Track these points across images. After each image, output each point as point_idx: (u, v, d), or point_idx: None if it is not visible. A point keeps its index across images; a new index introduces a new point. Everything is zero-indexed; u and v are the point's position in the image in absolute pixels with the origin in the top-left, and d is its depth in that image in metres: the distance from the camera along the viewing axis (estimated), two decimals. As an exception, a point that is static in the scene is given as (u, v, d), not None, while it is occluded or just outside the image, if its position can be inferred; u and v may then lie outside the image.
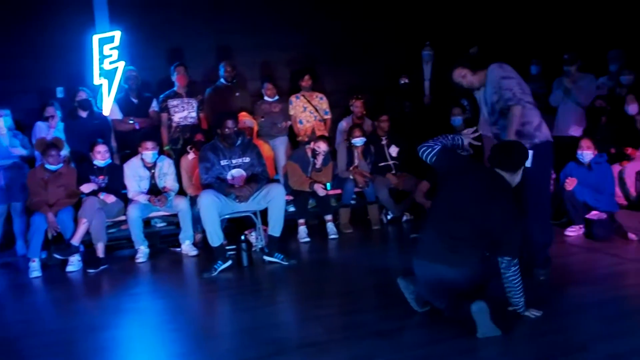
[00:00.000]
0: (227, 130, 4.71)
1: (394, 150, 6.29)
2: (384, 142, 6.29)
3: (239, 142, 4.80)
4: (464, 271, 2.98)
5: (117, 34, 5.97)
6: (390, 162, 6.27)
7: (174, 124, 6.12)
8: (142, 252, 5.18)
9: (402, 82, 6.97)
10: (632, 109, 5.55)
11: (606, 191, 5.00)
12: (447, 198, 3.20)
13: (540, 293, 3.64)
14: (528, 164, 3.47)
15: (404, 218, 6.18)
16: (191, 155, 5.63)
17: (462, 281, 2.99)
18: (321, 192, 5.59)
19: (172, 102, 6.13)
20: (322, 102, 6.77)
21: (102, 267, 4.93)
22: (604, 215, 4.99)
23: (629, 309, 3.27)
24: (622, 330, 2.95)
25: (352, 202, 6.15)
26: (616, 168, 5.46)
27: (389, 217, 6.21)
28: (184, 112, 6.13)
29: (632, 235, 4.84)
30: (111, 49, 5.94)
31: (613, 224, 5.00)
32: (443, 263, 3.01)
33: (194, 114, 6.18)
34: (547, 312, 3.28)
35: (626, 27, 6.72)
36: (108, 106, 5.94)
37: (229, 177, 4.77)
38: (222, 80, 6.39)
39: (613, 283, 3.87)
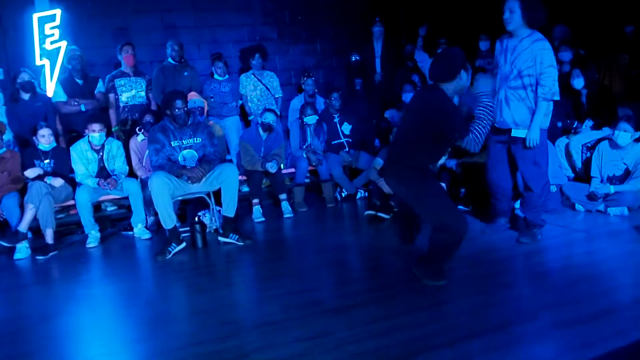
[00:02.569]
0: (176, 110, 4.59)
1: (346, 128, 6.30)
2: (336, 119, 6.29)
3: (189, 122, 4.71)
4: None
5: (57, 13, 5.74)
6: (343, 140, 6.28)
7: (121, 104, 5.96)
8: (93, 236, 5.05)
9: (354, 59, 6.96)
10: (578, 82, 5.70)
11: (548, 165, 5.15)
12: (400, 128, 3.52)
13: (493, 264, 3.76)
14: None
15: (359, 195, 6.23)
16: (141, 137, 5.49)
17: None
18: (272, 168, 5.54)
19: (119, 82, 5.97)
20: (273, 81, 6.70)
21: (51, 254, 4.78)
22: (553, 188, 5.15)
23: (576, 278, 3.39)
24: (568, 299, 3.06)
25: (306, 180, 6.15)
26: (563, 141, 5.64)
27: (343, 194, 6.24)
28: (131, 91, 5.97)
29: (579, 207, 5.02)
30: (52, 28, 5.71)
31: (562, 196, 5.18)
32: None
33: (142, 94, 6.03)
34: (499, 282, 3.40)
35: (570, 2, 6.89)
36: (51, 88, 5.72)
37: (180, 158, 4.68)
38: (169, 59, 6.23)
39: (561, 253, 4.02)
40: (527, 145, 3.98)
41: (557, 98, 3.91)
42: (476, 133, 3.33)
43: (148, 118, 5.57)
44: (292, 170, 6.08)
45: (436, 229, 3.34)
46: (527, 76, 3.88)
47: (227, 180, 4.68)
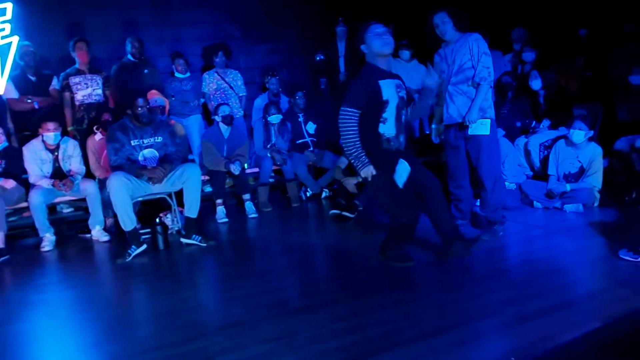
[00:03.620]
0: (139, 109, 4.50)
1: (311, 127, 6.29)
2: (300, 119, 6.27)
3: (151, 121, 4.61)
4: None
5: (8, 6, 5.55)
6: (308, 139, 6.27)
7: (77, 102, 5.78)
8: (48, 240, 4.89)
9: (318, 58, 6.95)
10: (536, 84, 5.85)
11: (507, 164, 5.26)
12: None
13: (455, 261, 3.81)
14: (486, 131, 4.04)
15: (323, 194, 6.22)
16: (98, 136, 5.35)
17: None
18: (235, 169, 5.48)
19: (74, 80, 5.78)
20: (236, 79, 6.63)
21: (3, 258, 4.61)
22: (512, 186, 5.26)
23: (535, 273, 3.46)
24: (528, 294, 3.11)
25: (271, 180, 6.11)
26: (522, 140, 5.77)
27: (308, 194, 6.22)
28: (87, 89, 5.80)
29: (537, 204, 5.13)
30: (3, 22, 5.52)
31: (521, 194, 5.29)
32: None
33: (99, 91, 5.86)
34: (460, 279, 3.44)
35: (529, 5, 7.07)
36: (2, 84, 5.51)
37: (140, 158, 4.57)
38: (129, 56, 6.09)
39: (520, 249, 4.11)
40: (464, 124, 4.08)
41: (486, 82, 4.02)
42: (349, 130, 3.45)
43: (106, 117, 5.43)
44: (256, 169, 6.04)
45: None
46: (468, 69, 4.04)
47: (190, 181, 4.60)
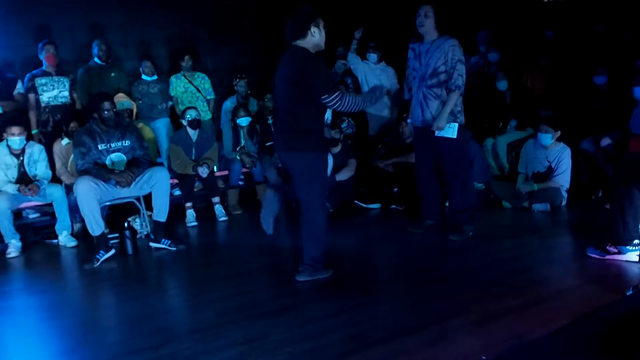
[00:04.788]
0: (105, 112, 4.43)
1: (281, 129, 6.27)
2: (270, 121, 6.24)
3: (118, 124, 4.54)
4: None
5: (-30, 9, 5.40)
6: (278, 142, 6.24)
7: (42, 104, 5.64)
8: (14, 246, 4.76)
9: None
10: (502, 85, 5.95)
11: (475, 164, 5.33)
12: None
13: (425, 261, 3.84)
14: (453, 135, 4.04)
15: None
16: (65, 141, 5.24)
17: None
18: (203, 172, 5.42)
19: (40, 81, 5.64)
20: (204, 82, 6.57)
21: (-34, 266, 4.49)
22: (481, 186, 5.33)
23: (505, 271, 3.52)
24: (497, 292, 3.16)
25: (240, 183, 6.07)
26: (489, 141, 5.86)
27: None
28: (53, 91, 5.66)
29: (506, 204, 5.21)
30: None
31: (489, 194, 5.36)
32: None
33: (65, 94, 5.73)
34: (429, 279, 3.47)
35: (493, 8, 7.19)
36: (-36, 88, 5.37)
37: (108, 162, 4.50)
38: (96, 59, 5.98)
39: (489, 248, 4.15)
40: (433, 130, 4.13)
41: (460, 90, 4.10)
42: (349, 98, 3.37)
43: (73, 124, 5.30)
44: (226, 172, 5.99)
45: (305, 211, 3.46)
46: (441, 73, 4.11)
47: (158, 184, 4.54)
